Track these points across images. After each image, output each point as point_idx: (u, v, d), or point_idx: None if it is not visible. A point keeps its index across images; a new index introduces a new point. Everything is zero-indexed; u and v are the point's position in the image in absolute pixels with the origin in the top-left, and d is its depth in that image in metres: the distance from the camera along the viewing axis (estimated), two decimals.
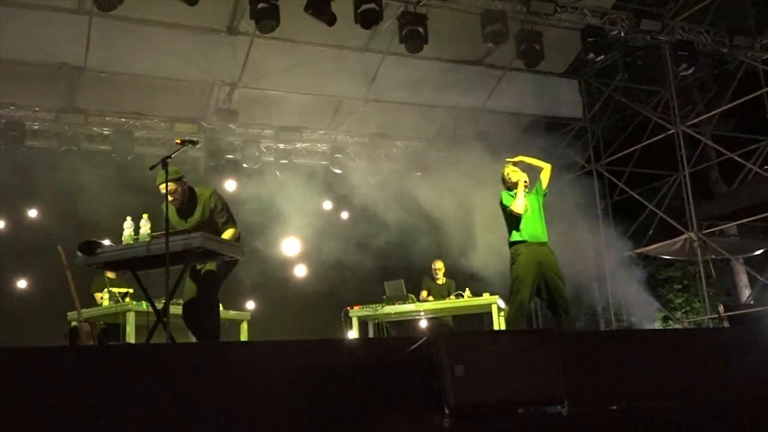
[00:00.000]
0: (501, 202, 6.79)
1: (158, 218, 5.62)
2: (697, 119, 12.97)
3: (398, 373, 4.11)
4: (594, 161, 14.07)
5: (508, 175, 6.86)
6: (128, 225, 5.62)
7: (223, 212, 5.91)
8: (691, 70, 11.25)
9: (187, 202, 5.92)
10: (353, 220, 12.64)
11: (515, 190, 6.69)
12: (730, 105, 12.29)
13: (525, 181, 6.70)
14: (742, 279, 15.49)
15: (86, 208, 10.07)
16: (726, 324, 10.27)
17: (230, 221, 5.91)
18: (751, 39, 11.55)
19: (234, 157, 12.13)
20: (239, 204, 11.53)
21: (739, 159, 12.12)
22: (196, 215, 5.87)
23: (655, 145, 13.32)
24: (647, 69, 11.54)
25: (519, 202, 6.58)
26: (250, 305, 11.48)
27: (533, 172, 7.01)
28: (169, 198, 5.79)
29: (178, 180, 5.86)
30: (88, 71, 10.58)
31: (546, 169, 6.96)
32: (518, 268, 6.50)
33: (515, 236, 6.63)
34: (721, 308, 10.81)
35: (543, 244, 6.64)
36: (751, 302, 13.37)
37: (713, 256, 12.49)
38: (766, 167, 11.18)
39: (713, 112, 12.82)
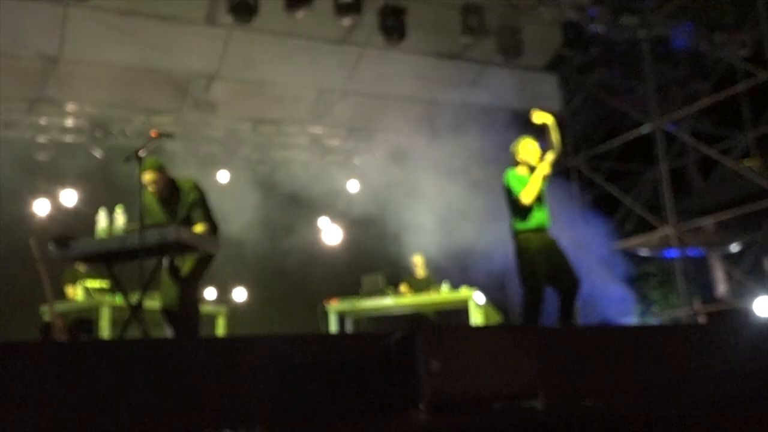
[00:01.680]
0: (507, 183, 6.20)
1: (135, 211, 5.53)
2: (676, 115, 13.06)
3: (375, 367, 4.08)
4: (573, 156, 14.12)
5: (521, 150, 6.31)
6: (102, 218, 5.54)
7: (198, 206, 5.82)
8: (669, 67, 11.32)
9: (169, 194, 5.83)
10: (331, 214, 12.60)
11: (523, 172, 6.21)
12: (708, 101, 12.37)
13: (545, 174, 6.16)
14: (718, 274, 15.62)
15: (59, 199, 9.96)
16: (702, 319, 10.37)
17: (204, 216, 5.81)
18: (730, 36, 11.63)
19: (212, 149, 12.04)
20: (216, 197, 11.46)
21: (716, 155, 12.22)
22: (182, 208, 5.78)
23: (633, 140, 13.40)
24: (626, 65, 11.59)
25: (531, 191, 6.07)
26: (239, 294, 11.46)
27: None
28: (149, 188, 5.71)
29: (158, 169, 5.78)
30: (63, 62, 10.44)
31: (555, 153, 6.38)
32: (530, 255, 6.07)
33: (523, 224, 6.15)
34: (697, 303, 10.92)
35: (546, 230, 6.24)
36: (727, 297, 13.50)
37: (690, 252, 12.59)
38: (742, 163, 11.27)
39: (691, 109, 12.91)
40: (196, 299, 5.85)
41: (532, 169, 6.25)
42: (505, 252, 12.64)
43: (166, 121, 11.33)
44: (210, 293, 10.79)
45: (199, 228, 5.70)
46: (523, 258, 6.14)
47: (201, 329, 6.44)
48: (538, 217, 6.18)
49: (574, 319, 6.35)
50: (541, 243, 6.14)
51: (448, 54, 12.20)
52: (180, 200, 5.81)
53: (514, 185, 6.16)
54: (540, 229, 6.19)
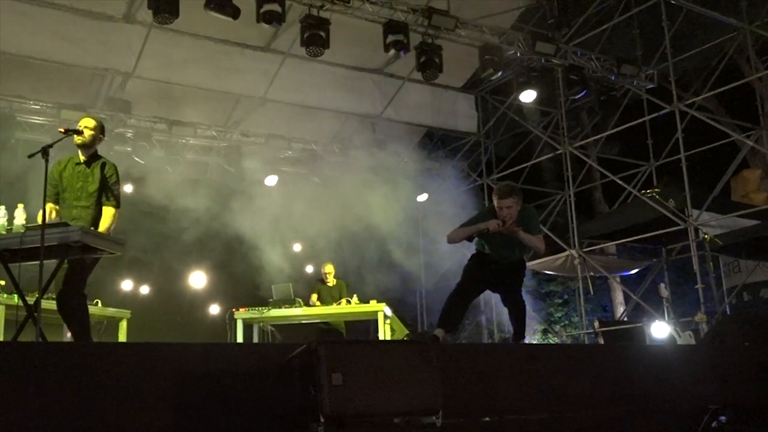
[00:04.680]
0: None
1: (36, 208, 5.33)
2: (584, 141, 13.53)
3: (276, 379, 4.07)
4: (486, 175, 14.43)
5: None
6: (1, 214, 5.32)
7: (114, 187, 5.66)
8: (580, 95, 11.75)
9: (90, 158, 5.66)
10: (245, 221, 12.45)
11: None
12: (615, 130, 12.87)
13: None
14: (618, 296, 16.24)
15: None
16: (601, 339, 10.74)
17: (115, 199, 5.65)
18: (637, 69, 12.17)
19: (123, 148, 11.73)
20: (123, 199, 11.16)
21: (620, 182, 12.71)
22: (95, 180, 5.62)
23: (544, 163, 13.81)
24: (540, 90, 11.94)
25: None
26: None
27: None
28: (79, 139, 5.53)
29: (101, 128, 5.72)
30: None
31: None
32: None
33: None
34: (596, 324, 11.30)
35: None
36: (625, 319, 14.03)
37: (592, 273, 13.03)
38: (643, 191, 11.74)
39: (599, 136, 13.40)
40: (82, 294, 5.62)
41: None
42: (417, 266, 12.84)
43: (76, 116, 10.95)
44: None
45: (109, 213, 5.55)
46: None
47: (101, 331, 6.29)
48: None
49: None
50: None
51: (368, 68, 12.31)
52: (95, 169, 5.65)
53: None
54: None
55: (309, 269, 11.57)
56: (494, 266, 6.25)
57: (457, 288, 6.19)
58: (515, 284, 6.41)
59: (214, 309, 11.78)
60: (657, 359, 5.87)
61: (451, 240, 6.22)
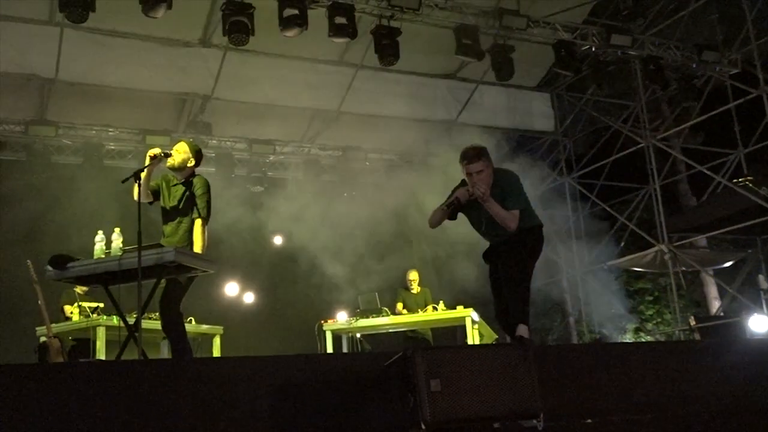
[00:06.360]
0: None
1: (131, 231, 5.50)
2: (667, 133, 13.15)
3: (373, 388, 4.08)
4: (566, 174, 14.20)
5: None
6: (99, 239, 5.53)
7: (200, 198, 5.76)
8: (660, 85, 11.43)
9: (186, 178, 5.80)
10: (326, 234, 12.58)
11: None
12: (699, 119, 12.47)
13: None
14: (712, 291, 15.65)
15: (56, 221, 9.94)
16: (697, 335, 10.39)
17: (202, 211, 5.70)
18: (719, 54, 11.77)
19: (207, 169, 12.04)
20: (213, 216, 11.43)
21: (708, 172, 12.29)
22: (187, 198, 5.74)
23: (626, 158, 13.49)
24: (618, 83, 11.70)
25: None
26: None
27: None
28: (168, 162, 5.68)
29: (197, 152, 5.85)
30: (59, 83, 10.48)
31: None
32: (536, 254, 5.32)
33: (535, 219, 5.43)
34: (692, 320, 10.94)
35: None
36: (721, 314, 13.53)
37: (683, 268, 12.62)
38: (734, 180, 11.33)
39: (682, 126, 13.00)
40: (178, 315, 5.74)
41: None
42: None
43: (161, 141, 11.32)
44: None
45: (198, 227, 5.67)
46: (530, 252, 5.35)
47: (195, 348, 6.41)
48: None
49: None
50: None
51: (441, 74, 12.30)
52: (188, 188, 5.80)
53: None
54: None
55: (396, 278, 11.55)
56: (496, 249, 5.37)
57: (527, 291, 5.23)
58: (504, 254, 5.24)
59: (302, 322, 11.90)
60: (761, 354, 5.64)
61: (430, 223, 5.50)
